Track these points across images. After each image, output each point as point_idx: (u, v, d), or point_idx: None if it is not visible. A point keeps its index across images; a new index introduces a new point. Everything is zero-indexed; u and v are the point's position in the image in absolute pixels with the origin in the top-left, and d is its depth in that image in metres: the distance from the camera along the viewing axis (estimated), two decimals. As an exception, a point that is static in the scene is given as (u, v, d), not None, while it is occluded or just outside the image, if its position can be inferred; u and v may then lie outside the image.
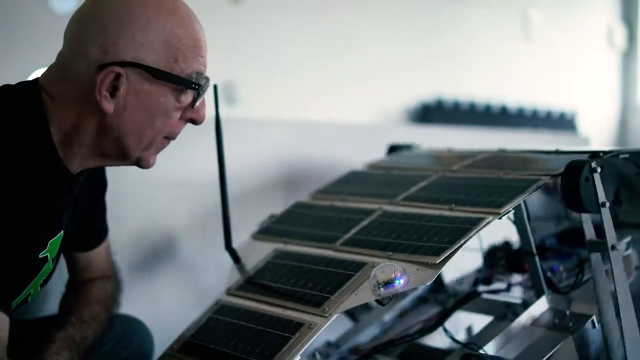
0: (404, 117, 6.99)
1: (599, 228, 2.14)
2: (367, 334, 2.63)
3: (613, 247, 2.09)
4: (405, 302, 2.73)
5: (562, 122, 7.84)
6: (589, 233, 2.17)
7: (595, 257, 2.15)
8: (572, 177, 2.06)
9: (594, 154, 2.14)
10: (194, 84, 1.74)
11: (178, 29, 1.72)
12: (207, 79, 1.79)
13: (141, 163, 1.81)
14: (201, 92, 1.77)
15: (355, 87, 6.54)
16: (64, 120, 1.72)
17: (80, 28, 1.73)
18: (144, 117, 1.73)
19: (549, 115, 7.84)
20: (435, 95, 7.14)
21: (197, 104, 1.78)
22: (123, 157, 1.79)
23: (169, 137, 1.82)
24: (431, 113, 7.02)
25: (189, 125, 1.86)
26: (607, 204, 2.07)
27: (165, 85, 1.72)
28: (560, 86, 8.28)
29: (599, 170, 2.07)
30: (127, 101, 1.70)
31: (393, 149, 3.06)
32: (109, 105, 1.69)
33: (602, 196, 2.07)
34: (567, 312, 2.33)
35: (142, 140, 1.76)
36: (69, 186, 1.80)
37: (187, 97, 1.76)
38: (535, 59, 8.01)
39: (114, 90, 1.69)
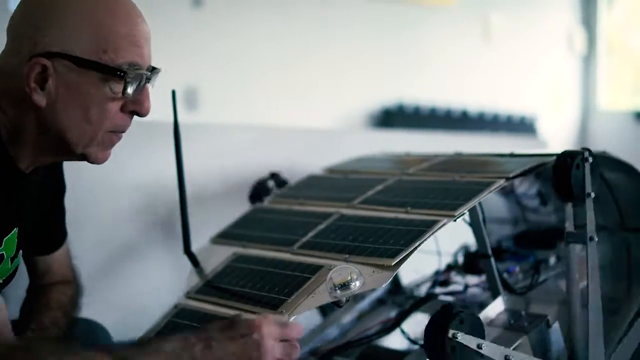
0: (366, 122, 7.02)
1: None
2: (326, 336, 2.65)
3: (591, 238, 2.17)
4: (364, 304, 2.75)
5: (523, 126, 7.90)
6: (570, 224, 2.23)
7: (572, 248, 2.23)
8: (564, 165, 2.15)
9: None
10: (119, 72, 1.70)
11: (108, 19, 1.70)
12: (140, 68, 1.74)
13: (89, 159, 1.79)
14: (129, 81, 1.72)
15: (317, 92, 6.57)
16: (7, 118, 1.71)
17: (14, 23, 1.73)
18: (77, 109, 1.70)
19: (509, 119, 7.90)
20: (397, 99, 7.17)
21: (130, 92, 1.72)
22: (67, 152, 1.76)
23: (116, 131, 1.79)
24: (392, 118, 7.05)
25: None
26: (592, 195, 2.16)
27: (93, 76, 1.69)
28: (520, 90, 8.34)
29: (590, 160, 2.16)
30: (58, 93, 1.68)
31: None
32: (39, 98, 1.67)
33: (589, 186, 2.15)
34: (523, 313, 2.36)
35: (83, 135, 1.73)
36: (21, 184, 1.79)
37: (119, 87, 1.72)
38: (495, 63, 8.06)
39: (43, 83, 1.67)
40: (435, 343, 1.85)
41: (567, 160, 2.17)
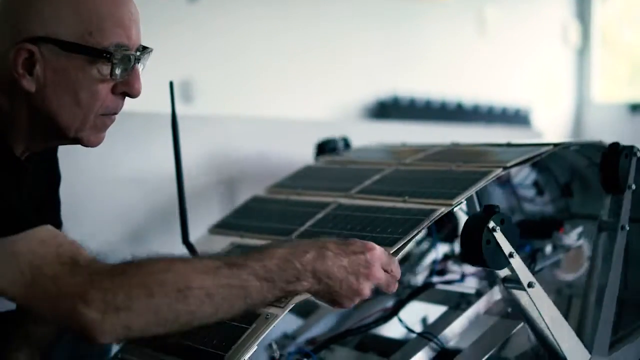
0: (361, 115, 7.02)
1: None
2: (324, 326, 2.66)
3: (623, 227, 2.23)
4: (362, 293, 2.75)
5: (518, 118, 7.91)
6: (605, 213, 2.28)
7: (602, 236, 2.27)
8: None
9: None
10: (105, 54, 1.69)
11: (91, 1, 1.69)
12: (127, 49, 1.73)
13: (82, 142, 1.79)
14: (116, 62, 1.71)
15: (312, 85, 6.56)
16: (1, 105, 1.72)
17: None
18: (67, 93, 1.70)
19: (504, 111, 7.91)
20: (391, 92, 7.17)
21: (118, 74, 1.72)
22: (60, 136, 1.77)
23: (108, 114, 1.78)
24: (387, 110, 7.05)
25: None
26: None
27: (79, 59, 1.68)
28: (515, 83, 8.35)
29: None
30: (46, 78, 1.68)
31: (322, 148, 3.08)
32: (28, 84, 1.68)
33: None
34: (520, 301, 2.37)
35: (73, 119, 1.73)
36: (18, 171, 1.77)
37: (107, 69, 1.71)
38: (490, 56, 8.07)
39: (31, 68, 1.67)
40: (473, 232, 1.91)
41: (617, 151, 2.23)
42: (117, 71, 1.72)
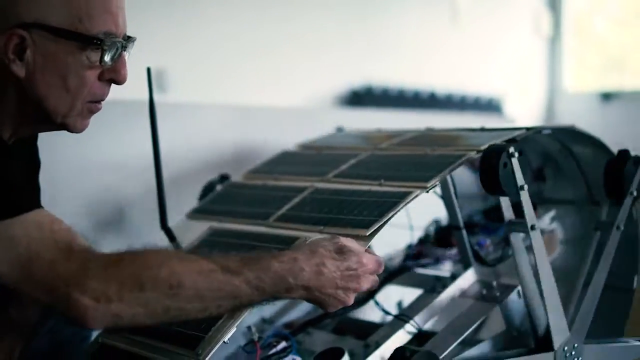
0: (334, 103, 7.01)
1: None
2: (301, 309, 2.68)
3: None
4: (338, 277, 2.77)
5: (490, 107, 7.93)
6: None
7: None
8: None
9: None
10: (95, 40, 1.71)
11: None
12: (115, 36, 1.75)
13: (68, 128, 1.80)
14: (106, 49, 1.73)
15: (284, 74, 6.55)
16: None
17: None
18: (56, 78, 1.72)
19: (477, 101, 7.93)
20: (365, 81, 7.17)
21: (107, 60, 1.74)
22: (47, 122, 1.78)
23: (95, 101, 1.80)
24: (361, 99, 7.04)
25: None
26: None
27: (69, 45, 1.70)
28: (488, 72, 8.37)
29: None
30: (36, 63, 1.69)
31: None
32: (18, 69, 1.69)
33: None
34: (494, 283, 2.40)
35: (61, 104, 1.75)
36: (6, 155, 1.77)
37: (96, 55, 1.73)
38: (463, 45, 8.08)
39: (21, 54, 1.69)
40: (492, 155, 2.02)
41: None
42: (107, 58, 1.74)
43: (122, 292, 1.51)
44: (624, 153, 2.34)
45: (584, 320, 2.27)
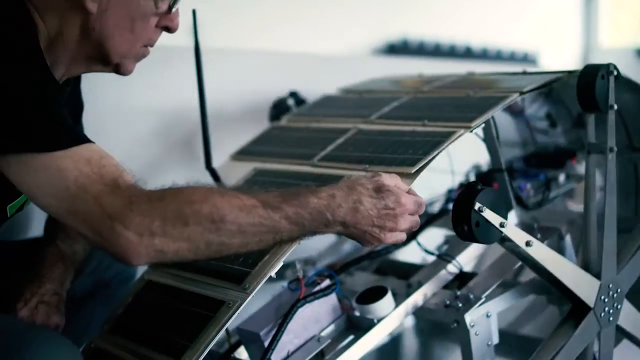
0: (371, 55, 7.00)
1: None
2: (343, 251, 2.71)
3: (611, 149, 2.20)
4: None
5: (526, 61, 7.90)
6: (591, 136, 2.26)
7: (592, 158, 2.26)
8: (590, 75, 2.18)
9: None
10: None
11: None
12: None
13: (120, 69, 1.84)
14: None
15: (323, 23, 6.54)
16: (49, 27, 1.74)
17: None
18: (124, 19, 1.75)
19: (512, 55, 7.90)
20: (401, 35, 7.16)
21: (173, 10, 1.80)
22: (104, 61, 1.81)
23: (147, 45, 1.85)
24: (397, 52, 7.04)
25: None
26: (615, 107, 2.19)
27: None
28: (524, 26, 8.33)
29: (615, 73, 2.19)
30: (109, 2, 1.72)
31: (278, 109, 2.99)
32: (92, 5, 1.71)
33: (612, 98, 2.18)
34: (536, 226, 2.41)
35: (123, 44, 1.78)
36: (58, 92, 1.82)
37: (164, 3, 1.78)
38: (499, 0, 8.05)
39: None
40: (461, 216, 1.89)
41: (592, 71, 2.19)
42: (174, 7, 1.81)
43: (166, 226, 1.53)
44: (594, 65, 2.29)
45: (609, 261, 2.25)
